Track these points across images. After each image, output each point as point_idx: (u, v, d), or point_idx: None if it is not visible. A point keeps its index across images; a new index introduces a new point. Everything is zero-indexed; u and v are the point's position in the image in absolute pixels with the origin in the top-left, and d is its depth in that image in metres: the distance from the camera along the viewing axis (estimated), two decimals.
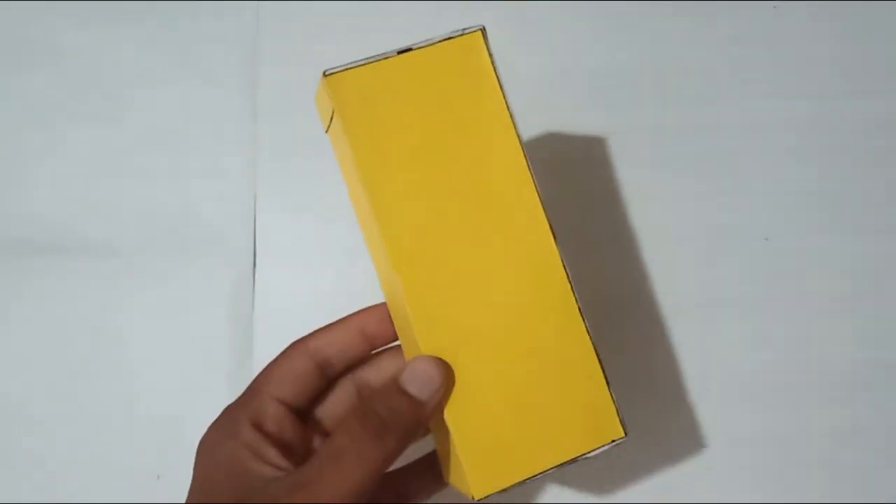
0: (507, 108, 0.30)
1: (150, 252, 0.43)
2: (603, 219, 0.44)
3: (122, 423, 0.42)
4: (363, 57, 0.30)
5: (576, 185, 0.44)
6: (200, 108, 0.45)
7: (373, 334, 0.33)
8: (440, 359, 0.29)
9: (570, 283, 0.30)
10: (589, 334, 0.30)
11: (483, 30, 0.31)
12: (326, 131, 0.32)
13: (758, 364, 0.43)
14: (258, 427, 0.30)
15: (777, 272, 0.44)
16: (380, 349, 0.34)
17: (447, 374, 0.29)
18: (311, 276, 0.43)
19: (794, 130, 0.45)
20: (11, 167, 0.44)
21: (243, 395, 0.32)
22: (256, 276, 0.43)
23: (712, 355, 0.43)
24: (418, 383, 0.29)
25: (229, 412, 0.31)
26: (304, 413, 0.32)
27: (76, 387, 0.42)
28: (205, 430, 0.42)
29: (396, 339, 0.33)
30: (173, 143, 0.44)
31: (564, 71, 0.45)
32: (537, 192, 0.30)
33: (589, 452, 0.30)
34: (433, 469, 0.33)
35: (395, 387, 0.29)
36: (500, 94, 0.30)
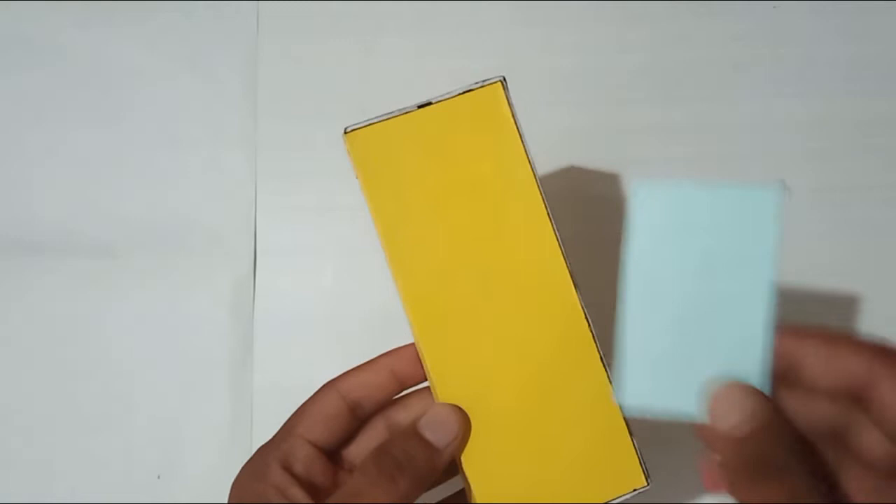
0: (528, 158, 0.30)
1: (150, 252, 0.43)
2: (602, 219, 0.44)
3: (121, 422, 0.42)
4: (383, 113, 0.30)
5: (575, 184, 0.44)
6: (201, 107, 0.45)
7: (403, 375, 0.33)
8: (458, 407, 0.30)
9: (591, 330, 0.31)
10: (610, 382, 0.30)
11: (503, 80, 0.31)
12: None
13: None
14: (287, 469, 0.31)
15: (776, 272, 0.44)
16: (410, 390, 0.34)
17: (464, 422, 0.30)
18: (311, 276, 0.43)
19: (795, 130, 0.45)
20: (12, 167, 0.44)
21: (276, 435, 0.32)
22: (256, 275, 0.43)
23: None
24: (435, 430, 0.29)
25: (261, 453, 0.32)
26: (334, 453, 0.33)
27: (76, 386, 0.42)
28: (204, 430, 0.42)
29: (426, 379, 0.33)
30: (173, 142, 0.44)
31: (564, 70, 0.45)
32: (559, 242, 0.31)
33: (610, 501, 0.30)
34: None
35: (412, 431, 0.30)
36: (521, 144, 0.30)
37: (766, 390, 0.26)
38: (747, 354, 0.26)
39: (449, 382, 0.30)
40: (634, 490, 0.30)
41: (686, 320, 0.27)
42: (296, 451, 0.31)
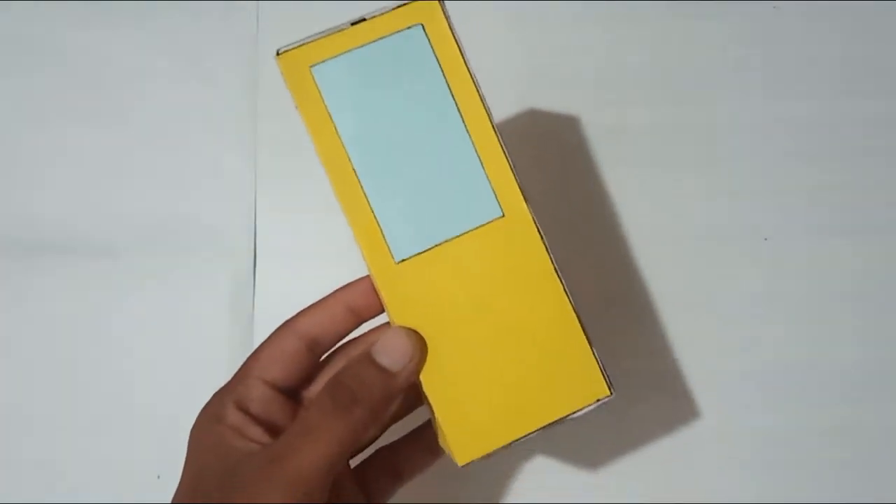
0: (472, 77, 0.29)
1: (150, 252, 0.43)
2: (602, 219, 0.44)
3: (122, 422, 0.42)
4: (317, 32, 0.29)
5: (575, 184, 0.44)
6: (201, 107, 0.45)
7: (358, 307, 0.32)
8: (413, 330, 0.29)
9: (544, 242, 0.30)
10: (568, 296, 0.30)
11: None
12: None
13: (757, 364, 0.43)
14: (244, 410, 0.30)
15: (776, 272, 0.44)
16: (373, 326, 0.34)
17: (420, 346, 0.29)
18: (311, 275, 0.42)
19: (794, 130, 0.45)
20: (12, 167, 0.44)
21: (231, 379, 0.32)
22: (256, 275, 0.43)
23: (712, 355, 0.43)
24: (390, 355, 0.29)
25: (218, 396, 0.32)
26: (295, 393, 0.32)
27: (76, 386, 0.42)
28: None
29: (384, 311, 0.33)
30: (174, 142, 0.44)
31: (564, 70, 0.45)
32: (502, 147, 0.29)
33: (573, 413, 0.29)
34: (427, 441, 0.33)
35: (366, 359, 0.29)
36: (463, 63, 0.29)
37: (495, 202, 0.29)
38: (470, 180, 0.29)
39: (404, 307, 0.29)
40: (598, 400, 0.30)
41: (414, 171, 0.29)
42: (251, 391, 0.31)
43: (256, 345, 0.42)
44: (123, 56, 0.45)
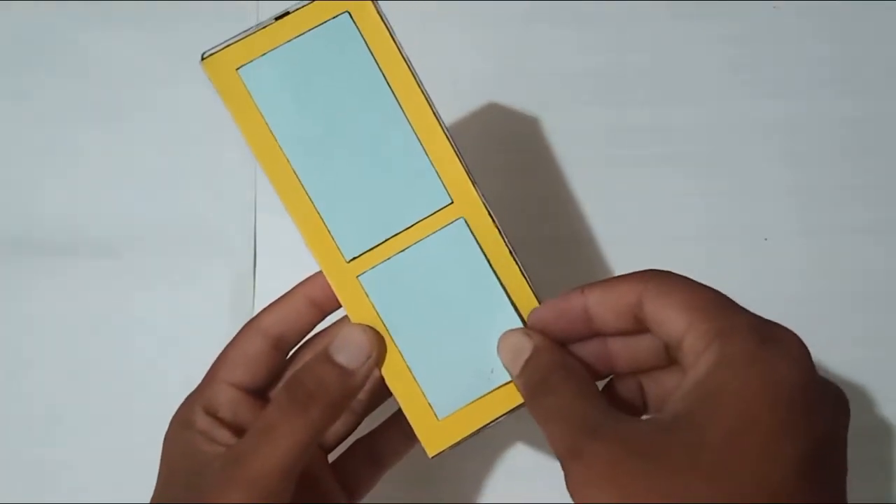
0: (407, 63, 0.28)
1: (150, 252, 0.43)
2: (602, 219, 0.44)
3: (122, 422, 0.42)
4: (241, 31, 0.28)
5: (575, 186, 0.44)
6: (200, 107, 0.45)
7: (320, 300, 0.32)
8: (370, 326, 0.29)
9: (499, 231, 0.29)
10: (527, 279, 0.29)
11: None
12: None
13: None
14: (212, 414, 0.31)
15: (776, 272, 0.44)
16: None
17: (377, 342, 0.29)
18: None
19: (795, 130, 0.45)
20: (13, 166, 0.44)
21: (200, 384, 0.32)
22: (257, 275, 0.43)
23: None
24: (347, 352, 0.29)
25: (186, 403, 0.32)
26: (264, 392, 0.32)
27: (77, 386, 0.42)
28: None
29: None
30: (174, 142, 0.44)
31: (563, 71, 0.45)
32: (447, 135, 0.29)
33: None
34: (404, 425, 0.34)
35: (323, 356, 0.29)
36: (396, 48, 0.28)
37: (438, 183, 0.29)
38: (415, 169, 0.28)
39: (360, 305, 0.29)
40: None
41: (356, 166, 0.28)
42: (219, 395, 0.31)
43: None
44: (123, 56, 0.45)
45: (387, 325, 0.29)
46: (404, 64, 0.28)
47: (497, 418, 0.30)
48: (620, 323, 0.27)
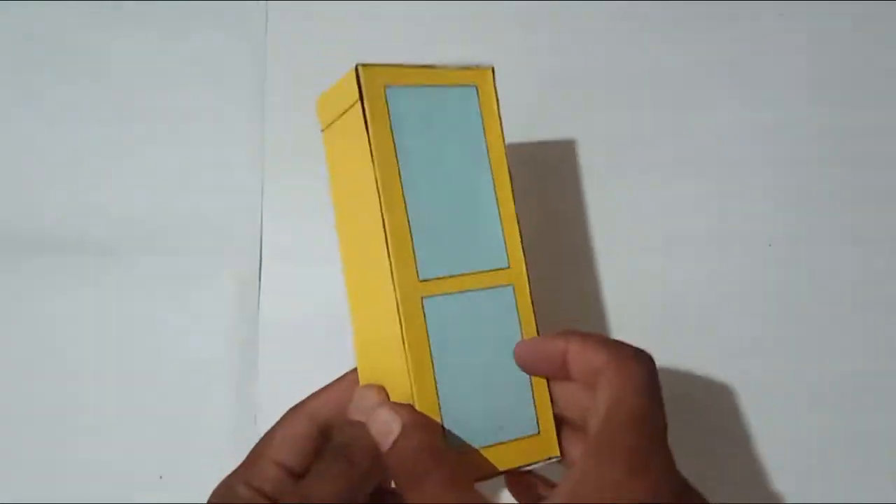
0: (503, 142, 0.34)
1: (156, 251, 0.43)
2: (604, 225, 0.44)
3: (124, 422, 0.42)
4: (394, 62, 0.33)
5: (577, 191, 0.44)
6: (209, 107, 0.45)
7: None
8: (374, 385, 0.32)
9: (533, 309, 0.33)
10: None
11: (493, 69, 0.34)
12: (324, 129, 0.34)
13: (758, 369, 0.43)
14: (256, 490, 0.31)
15: (780, 278, 0.44)
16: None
17: (384, 393, 0.31)
18: (317, 276, 0.43)
19: (800, 136, 0.45)
20: (17, 165, 0.44)
21: (245, 460, 0.32)
22: (262, 275, 0.43)
23: (714, 360, 0.43)
24: (361, 408, 0.31)
25: (228, 478, 0.32)
26: (304, 475, 0.32)
27: (78, 386, 0.42)
28: (207, 431, 0.42)
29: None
30: (181, 142, 0.44)
31: (561, 76, 0.45)
32: (516, 214, 0.33)
33: (522, 466, 0.31)
34: None
35: (345, 423, 0.31)
36: (499, 126, 0.34)
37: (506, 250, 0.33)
38: (489, 227, 0.33)
39: (415, 321, 0.31)
40: (549, 458, 0.32)
41: (444, 205, 0.32)
42: (263, 472, 0.31)
43: (262, 345, 0.42)
44: (131, 55, 0.45)
45: (432, 350, 0.31)
46: (502, 140, 0.34)
47: (496, 474, 0.31)
48: (581, 376, 0.30)
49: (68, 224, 0.44)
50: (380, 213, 0.31)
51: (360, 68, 0.31)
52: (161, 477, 0.41)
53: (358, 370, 0.33)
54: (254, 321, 0.42)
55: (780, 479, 0.42)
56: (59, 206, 0.44)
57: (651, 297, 0.43)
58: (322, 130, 0.34)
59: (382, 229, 0.31)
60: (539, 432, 0.32)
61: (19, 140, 0.45)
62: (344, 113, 0.32)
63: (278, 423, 0.32)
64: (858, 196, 0.44)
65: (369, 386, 0.32)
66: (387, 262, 0.30)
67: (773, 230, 0.44)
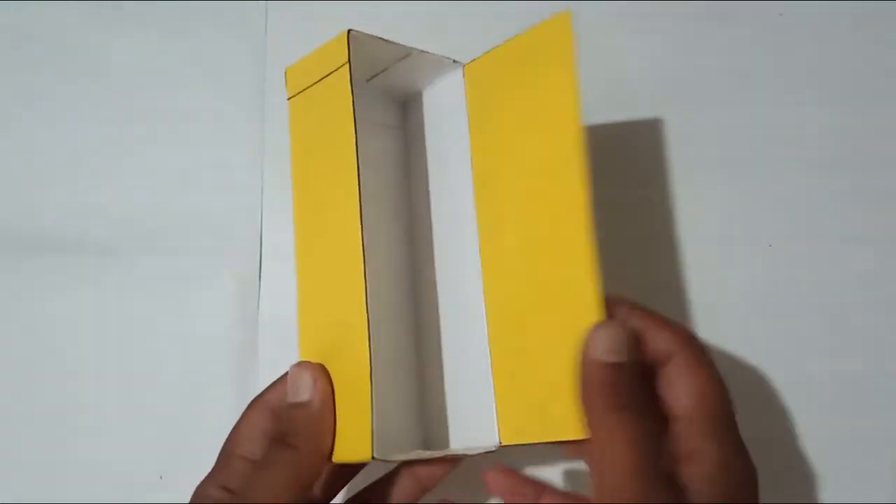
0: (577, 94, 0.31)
1: (156, 251, 0.43)
2: (605, 225, 0.44)
3: (124, 422, 0.42)
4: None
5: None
6: (208, 107, 0.45)
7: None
8: (306, 361, 0.33)
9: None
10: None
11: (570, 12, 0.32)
12: (292, 97, 0.34)
13: (759, 371, 0.43)
14: (227, 489, 0.31)
15: (780, 279, 0.44)
16: None
17: (319, 370, 0.32)
18: None
19: (800, 136, 0.45)
20: (17, 165, 0.44)
21: (216, 461, 0.32)
22: (262, 276, 0.43)
23: (714, 361, 0.43)
24: (298, 390, 0.32)
25: (204, 482, 0.32)
26: None
27: (78, 386, 0.42)
28: (207, 431, 0.42)
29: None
30: (181, 142, 0.44)
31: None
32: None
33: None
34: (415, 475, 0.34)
35: (285, 407, 0.32)
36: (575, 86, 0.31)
37: None
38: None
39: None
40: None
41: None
42: (232, 469, 0.31)
43: (261, 346, 0.42)
44: (131, 55, 0.45)
45: None
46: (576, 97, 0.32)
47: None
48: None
49: (68, 224, 0.44)
50: (356, 172, 0.30)
51: (465, 68, 0.33)
52: (161, 477, 0.41)
53: (299, 349, 0.33)
54: (254, 321, 0.42)
55: (780, 479, 0.42)
56: (59, 206, 0.44)
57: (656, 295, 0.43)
58: (288, 99, 0.33)
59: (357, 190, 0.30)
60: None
61: (19, 140, 0.45)
62: (324, 77, 0.32)
63: (241, 418, 0.33)
64: (858, 196, 0.44)
65: (297, 368, 0.32)
66: (359, 228, 0.30)
67: (773, 230, 0.44)
